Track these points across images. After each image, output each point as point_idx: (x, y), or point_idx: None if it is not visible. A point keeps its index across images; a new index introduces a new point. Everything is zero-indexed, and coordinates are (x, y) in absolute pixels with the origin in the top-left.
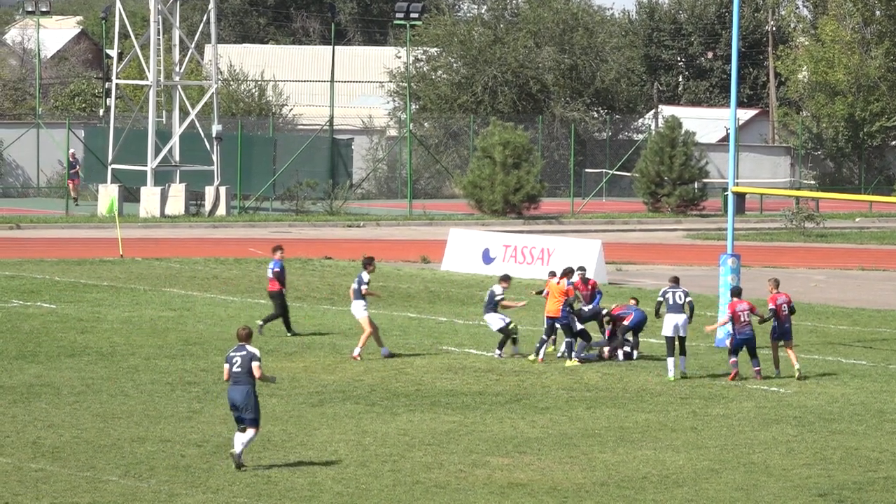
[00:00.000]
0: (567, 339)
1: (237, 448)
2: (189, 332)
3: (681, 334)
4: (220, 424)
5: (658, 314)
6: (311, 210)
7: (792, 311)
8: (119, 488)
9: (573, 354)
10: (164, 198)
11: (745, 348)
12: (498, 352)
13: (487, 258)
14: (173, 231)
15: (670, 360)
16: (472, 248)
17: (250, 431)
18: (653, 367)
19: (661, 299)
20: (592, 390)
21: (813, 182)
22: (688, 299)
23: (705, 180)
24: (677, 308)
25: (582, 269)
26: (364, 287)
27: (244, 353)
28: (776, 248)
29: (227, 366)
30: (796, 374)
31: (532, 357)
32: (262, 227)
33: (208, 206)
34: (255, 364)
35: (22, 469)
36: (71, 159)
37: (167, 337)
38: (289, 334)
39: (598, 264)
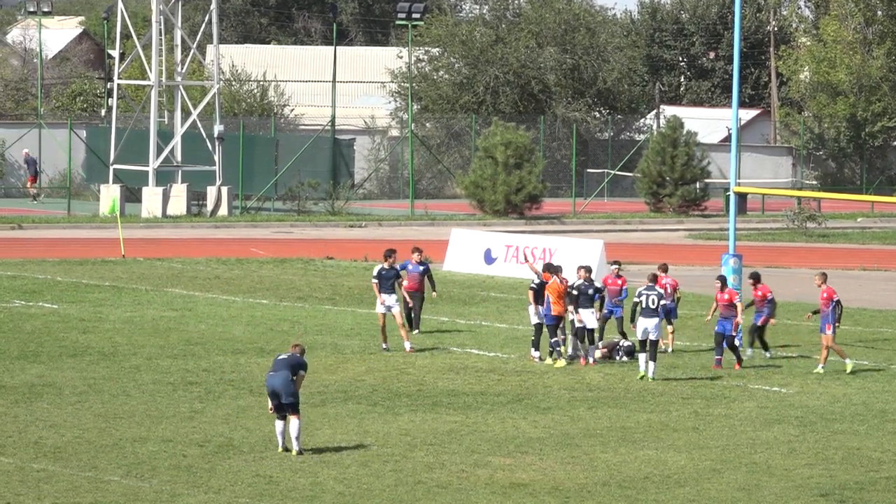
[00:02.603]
0: (554, 339)
1: (295, 446)
2: (191, 333)
3: (651, 338)
4: (222, 424)
5: (633, 319)
6: (313, 210)
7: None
8: (121, 488)
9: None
10: (165, 198)
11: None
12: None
13: (489, 258)
14: (175, 231)
15: (641, 357)
16: (473, 249)
17: (295, 421)
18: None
19: (636, 301)
20: (594, 390)
21: (815, 182)
22: (662, 302)
23: (707, 180)
24: (650, 312)
25: (616, 262)
26: (374, 281)
27: (296, 354)
28: (778, 248)
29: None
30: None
31: (549, 360)
32: (264, 228)
33: (210, 206)
34: (301, 373)
35: (24, 469)
36: (27, 158)
37: (169, 337)
38: (415, 332)
39: (599, 264)
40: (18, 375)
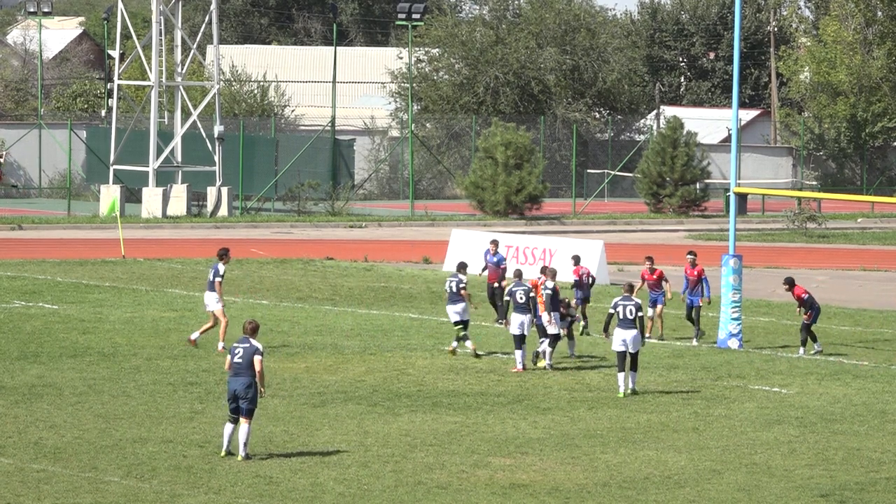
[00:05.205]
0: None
1: (242, 451)
2: (191, 333)
3: (630, 350)
4: (222, 425)
5: (607, 328)
6: (313, 211)
7: None
8: (121, 489)
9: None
10: (165, 198)
11: None
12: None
13: None
14: (175, 232)
15: (620, 376)
16: (474, 249)
17: (245, 426)
18: (653, 367)
19: (612, 311)
20: (594, 391)
21: (815, 183)
22: (639, 314)
23: (707, 181)
24: (627, 323)
25: (692, 253)
26: (218, 280)
27: (247, 345)
28: (778, 248)
29: (229, 357)
30: None
31: (542, 363)
32: (264, 228)
33: (210, 206)
34: (256, 357)
35: (24, 470)
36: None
37: (169, 337)
38: (499, 323)
39: (600, 265)
40: (18, 376)
